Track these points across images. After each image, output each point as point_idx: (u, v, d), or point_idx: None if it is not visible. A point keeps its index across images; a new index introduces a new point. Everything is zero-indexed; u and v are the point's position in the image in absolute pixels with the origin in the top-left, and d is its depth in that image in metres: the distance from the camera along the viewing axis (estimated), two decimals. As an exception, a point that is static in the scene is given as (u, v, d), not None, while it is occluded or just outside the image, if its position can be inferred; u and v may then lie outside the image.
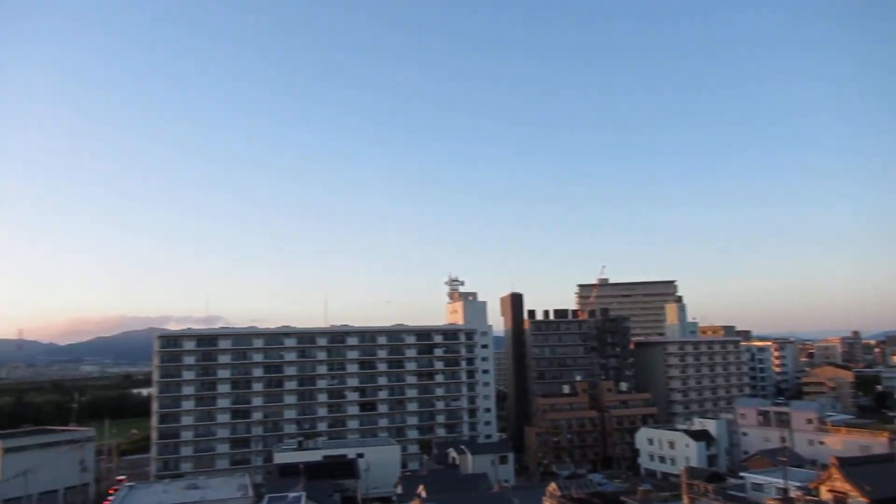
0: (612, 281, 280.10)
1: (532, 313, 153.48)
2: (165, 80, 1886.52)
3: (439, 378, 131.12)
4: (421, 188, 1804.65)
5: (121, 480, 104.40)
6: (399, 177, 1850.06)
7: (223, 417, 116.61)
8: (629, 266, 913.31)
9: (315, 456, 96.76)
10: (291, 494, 65.02)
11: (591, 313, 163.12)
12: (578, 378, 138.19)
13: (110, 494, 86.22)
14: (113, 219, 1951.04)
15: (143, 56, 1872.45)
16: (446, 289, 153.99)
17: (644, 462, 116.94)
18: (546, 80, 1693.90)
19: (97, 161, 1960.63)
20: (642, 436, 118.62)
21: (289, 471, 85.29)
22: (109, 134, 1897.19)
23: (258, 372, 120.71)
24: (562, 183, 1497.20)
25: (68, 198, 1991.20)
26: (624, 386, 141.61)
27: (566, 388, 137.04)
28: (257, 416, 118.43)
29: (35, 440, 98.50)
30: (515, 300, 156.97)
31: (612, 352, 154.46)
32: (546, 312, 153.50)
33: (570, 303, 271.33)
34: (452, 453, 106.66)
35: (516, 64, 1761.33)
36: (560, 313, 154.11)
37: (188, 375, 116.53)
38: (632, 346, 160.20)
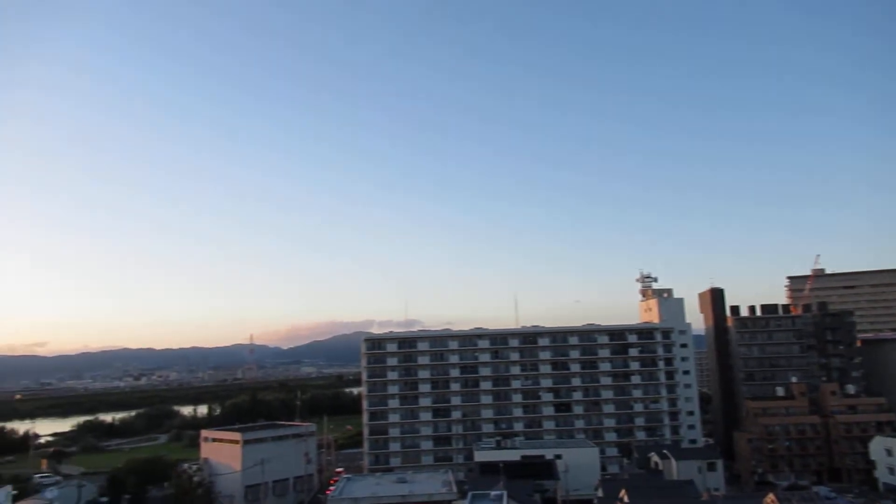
0: (829, 271, 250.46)
1: (735, 309, 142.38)
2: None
3: (636, 379, 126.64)
4: (608, 186, 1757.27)
5: (339, 472, 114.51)
6: (585, 176, 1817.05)
7: (425, 416, 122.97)
8: (850, 255, 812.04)
9: (513, 455, 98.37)
10: (493, 492, 66.73)
11: (806, 308, 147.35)
12: (794, 380, 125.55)
13: (331, 485, 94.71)
14: (322, 238, 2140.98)
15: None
16: (638, 286, 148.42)
17: (882, 476, 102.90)
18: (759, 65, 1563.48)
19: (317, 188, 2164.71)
20: (879, 446, 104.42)
21: (489, 469, 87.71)
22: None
23: (455, 372, 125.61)
24: (761, 167, 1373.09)
25: (287, 226, 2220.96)
26: (851, 389, 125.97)
27: (780, 391, 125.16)
28: (456, 414, 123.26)
29: (268, 433, 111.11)
30: (716, 295, 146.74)
31: (833, 350, 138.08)
32: (752, 308, 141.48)
33: (778, 297, 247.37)
34: (654, 457, 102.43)
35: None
36: (768, 308, 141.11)
37: (392, 376, 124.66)
38: (858, 344, 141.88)
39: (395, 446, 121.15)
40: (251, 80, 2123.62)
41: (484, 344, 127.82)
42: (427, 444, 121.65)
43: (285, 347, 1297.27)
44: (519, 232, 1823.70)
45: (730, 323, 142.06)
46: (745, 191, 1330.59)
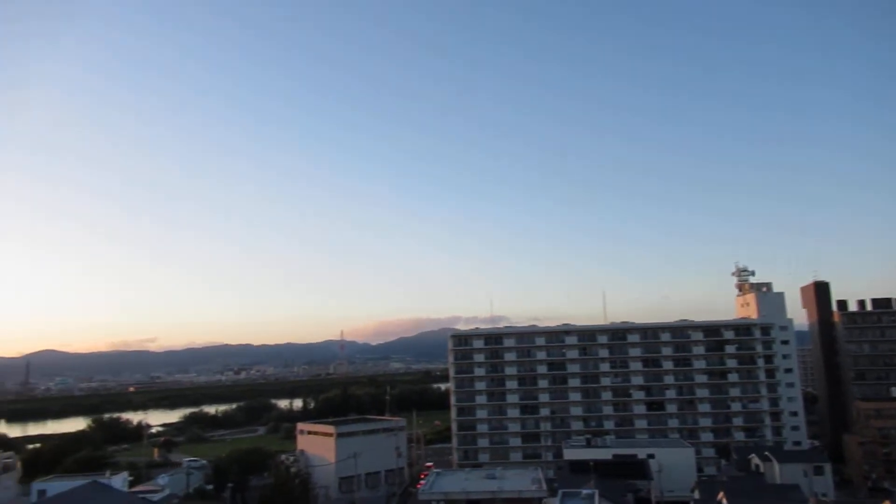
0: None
1: (842, 304, 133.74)
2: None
3: (733, 377, 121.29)
4: (700, 172, 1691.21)
5: (429, 466, 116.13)
6: (672, 169, 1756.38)
7: (513, 412, 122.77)
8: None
9: (604, 454, 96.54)
10: (584, 491, 65.81)
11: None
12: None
13: (421, 478, 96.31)
14: (409, 237, 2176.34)
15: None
16: (733, 280, 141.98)
17: None
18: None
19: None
20: None
21: (579, 467, 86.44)
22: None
23: (542, 369, 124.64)
24: (866, 149, 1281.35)
25: (375, 224, 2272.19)
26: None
27: (895, 391, 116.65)
28: (544, 412, 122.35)
29: (360, 427, 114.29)
30: (821, 289, 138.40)
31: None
32: (861, 302, 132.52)
33: (890, 290, 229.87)
34: (755, 459, 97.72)
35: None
36: (879, 303, 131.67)
37: (479, 372, 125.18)
38: None
39: (483, 442, 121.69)
40: (336, 82, 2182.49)
41: (571, 340, 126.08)
42: (515, 441, 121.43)
43: (374, 344, 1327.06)
44: (605, 227, 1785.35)
45: (836, 319, 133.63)
46: (848, 176, 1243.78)
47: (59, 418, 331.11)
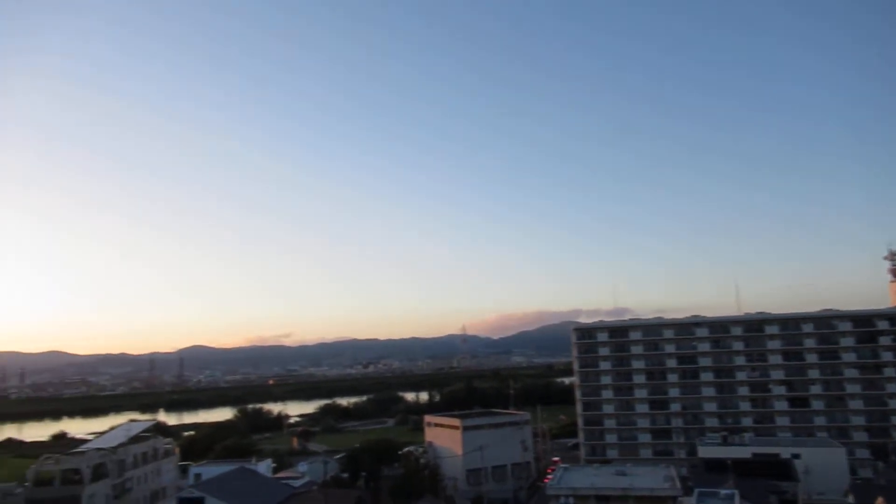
0: None
1: None
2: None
3: (889, 372, 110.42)
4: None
5: (556, 461, 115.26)
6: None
7: (641, 408, 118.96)
8: None
9: (742, 452, 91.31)
10: (723, 491, 62.69)
11: None
12: None
13: (548, 473, 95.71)
14: (528, 231, 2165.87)
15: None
16: (886, 265, 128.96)
17: None
18: None
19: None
20: None
21: (714, 466, 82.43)
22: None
23: (671, 363, 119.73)
24: None
25: (493, 219, 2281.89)
26: None
27: None
28: (675, 407, 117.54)
29: (485, 420, 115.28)
30: None
31: None
32: None
33: None
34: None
35: None
36: None
37: (604, 366, 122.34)
38: None
39: (611, 438, 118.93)
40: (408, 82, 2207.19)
41: (702, 332, 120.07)
42: (645, 437, 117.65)
43: (495, 338, 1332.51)
44: (736, 215, 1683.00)
45: None
46: None
47: (209, 408, 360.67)
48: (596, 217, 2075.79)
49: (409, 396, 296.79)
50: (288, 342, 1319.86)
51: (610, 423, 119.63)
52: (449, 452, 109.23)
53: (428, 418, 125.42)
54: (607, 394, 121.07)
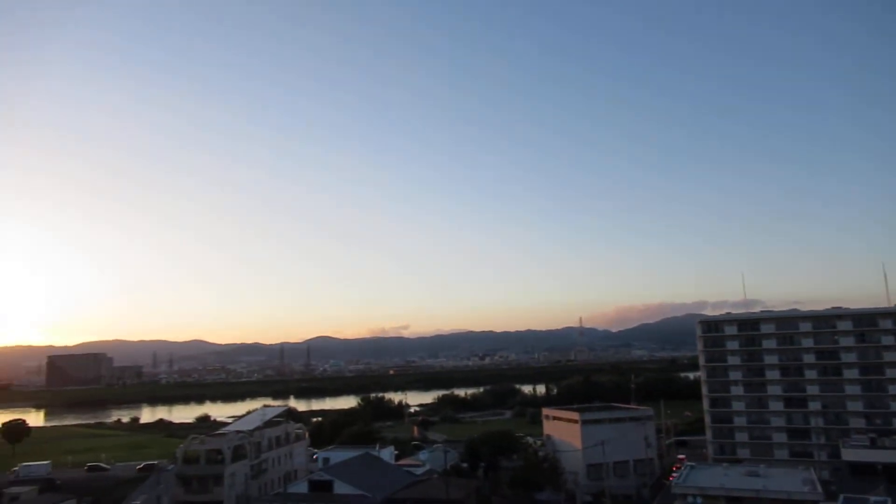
0: None
1: None
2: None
3: None
4: None
5: (681, 459, 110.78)
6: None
7: (775, 405, 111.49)
8: None
9: (894, 457, 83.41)
10: (873, 498, 57.56)
11: None
12: None
13: (674, 471, 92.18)
14: (648, 221, 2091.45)
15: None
16: None
17: None
18: None
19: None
20: None
21: (861, 470, 76.02)
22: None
23: (809, 358, 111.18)
24: None
25: (612, 210, 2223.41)
26: None
27: None
28: (814, 405, 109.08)
29: (605, 415, 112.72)
30: None
31: None
32: None
33: None
34: None
35: None
36: None
37: (733, 361, 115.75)
38: None
39: (741, 436, 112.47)
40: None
41: (845, 326, 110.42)
42: (780, 437, 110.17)
43: (614, 330, 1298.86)
44: (880, 196, 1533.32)
45: None
46: None
47: (334, 396, 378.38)
48: (721, 203, 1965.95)
49: (526, 389, 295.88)
50: (406, 334, 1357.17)
51: (740, 421, 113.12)
52: (568, 446, 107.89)
53: (546, 411, 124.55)
54: (737, 390, 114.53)
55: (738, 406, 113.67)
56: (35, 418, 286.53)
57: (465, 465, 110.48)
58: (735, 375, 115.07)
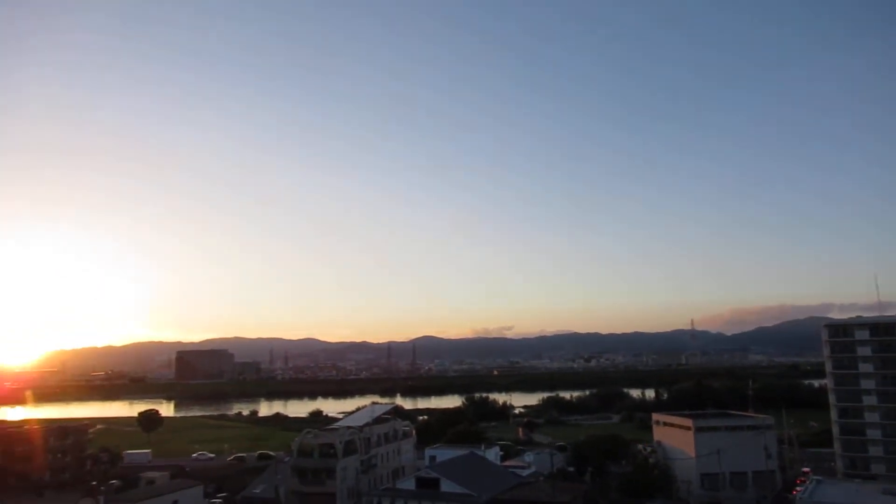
0: None
1: None
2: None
3: None
4: None
5: (806, 472, 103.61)
6: None
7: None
8: None
9: None
10: None
11: None
12: None
13: (798, 485, 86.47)
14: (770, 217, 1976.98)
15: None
16: None
17: None
18: None
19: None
20: None
21: None
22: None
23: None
24: None
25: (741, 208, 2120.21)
26: None
27: None
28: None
29: (721, 422, 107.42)
30: None
31: None
32: None
33: None
34: None
35: None
36: None
37: (865, 368, 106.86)
38: None
39: (875, 450, 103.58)
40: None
41: None
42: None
43: (728, 333, 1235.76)
44: None
45: None
46: None
47: (439, 395, 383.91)
48: (851, 194, 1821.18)
49: (634, 393, 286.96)
50: (510, 335, 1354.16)
51: (874, 434, 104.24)
52: (680, 454, 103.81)
53: (656, 416, 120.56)
54: (870, 400, 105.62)
55: (871, 417, 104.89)
56: (166, 409, 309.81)
57: (571, 468, 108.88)
58: (868, 384, 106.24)
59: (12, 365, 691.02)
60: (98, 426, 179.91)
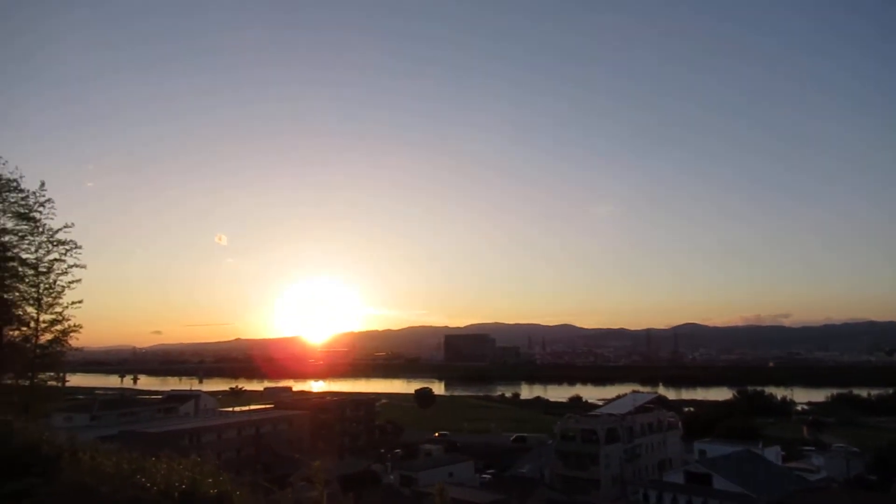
0: None
1: None
2: None
3: None
4: None
5: None
6: None
7: None
8: None
9: None
10: None
11: None
12: None
13: None
14: None
15: None
16: None
17: None
18: None
19: None
20: None
21: None
22: None
23: None
24: None
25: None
26: None
27: None
28: None
29: None
30: None
31: None
32: None
33: None
34: None
35: None
36: None
37: None
38: None
39: None
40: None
41: None
42: None
43: None
44: None
45: None
46: None
47: (706, 386, 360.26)
48: None
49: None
50: (787, 322, 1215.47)
51: None
52: None
53: None
54: None
55: None
56: (437, 388, 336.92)
57: (872, 477, 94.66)
58: None
59: (314, 342, 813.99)
60: (382, 400, 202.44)
